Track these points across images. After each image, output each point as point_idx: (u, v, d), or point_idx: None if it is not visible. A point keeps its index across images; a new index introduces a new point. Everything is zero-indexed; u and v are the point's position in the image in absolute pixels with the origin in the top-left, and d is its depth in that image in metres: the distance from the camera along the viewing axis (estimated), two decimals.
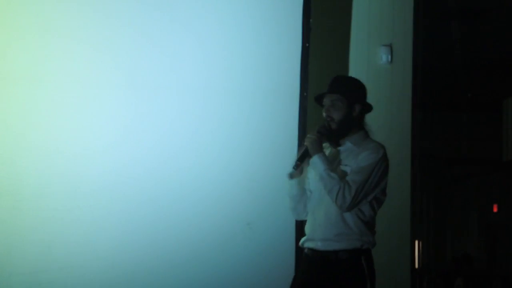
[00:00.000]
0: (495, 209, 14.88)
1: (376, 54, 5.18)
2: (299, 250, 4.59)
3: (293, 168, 3.55)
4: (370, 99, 5.16)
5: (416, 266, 12.37)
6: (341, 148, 3.59)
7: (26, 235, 4.37)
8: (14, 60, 4.49)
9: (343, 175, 3.49)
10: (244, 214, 4.58)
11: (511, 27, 8.45)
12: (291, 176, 3.60)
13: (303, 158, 3.54)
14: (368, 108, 3.66)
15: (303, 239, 3.64)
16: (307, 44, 4.75)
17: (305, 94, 4.72)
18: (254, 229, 4.58)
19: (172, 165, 4.53)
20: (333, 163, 3.55)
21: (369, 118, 5.14)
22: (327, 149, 3.61)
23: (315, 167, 3.51)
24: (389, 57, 5.19)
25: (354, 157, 3.52)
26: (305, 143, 3.53)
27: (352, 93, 3.60)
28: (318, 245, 3.53)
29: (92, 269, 4.45)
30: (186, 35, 4.61)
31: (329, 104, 3.59)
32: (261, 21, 4.74)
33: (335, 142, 3.60)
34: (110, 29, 4.54)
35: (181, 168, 4.54)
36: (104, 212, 4.48)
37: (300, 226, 4.62)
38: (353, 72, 5.16)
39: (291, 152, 4.58)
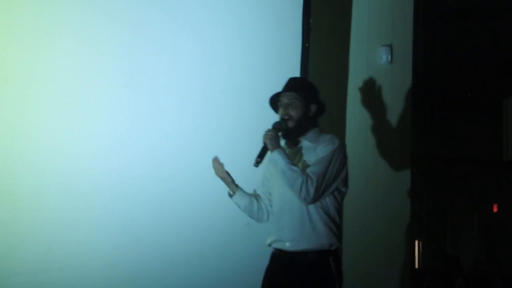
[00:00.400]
0: (495, 209, 14.86)
1: (376, 54, 5.18)
2: None
3: (254, 166, 3.56)
4: (370, 99, 5.18)
5: (416, 266, 12.37)
6: (298, 147, 3.64)
7: (26, 236, 4.37)
8: (14, 60, 4.49)
9: (303, 170, 3.51)
10: (244, 214, 4.58)
11: (511, 27, 8.44)
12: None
13: (262, 154, 3.56)
14: (322, 109, 3.71)
15: (270, 239, 3.66)
16: (307, 44, 4.75)
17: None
18: (254, 229, 4.58)
19: (172, 165, 4.53)
20: (292, 161, 3.58)
21: (370, 118, 5.15)
22: (286, 150, 3.64)
23: (276, 163, 3.52)
24: (389, 57, 5.18)
25: (312, 152, 3.57)
26: (264, 140, 3.55)
27: (309, 93, 3.66)
28: (286, 245, 3.55)
29: (92, 269, 4.45)
30: (186, 35, 4.61)
31: (286, 102, 3.63)
32: (261, 21, 4.74)
33: (292, 141, 3.65)
34: (110, 29, 4.54)
35: (181, 168, 4.54)
36: (104, 212, 4.48)
37: None
38: (353, 72, 5.16)
39: None
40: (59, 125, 4.52)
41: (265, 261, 4.60)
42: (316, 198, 3.47)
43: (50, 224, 4.43)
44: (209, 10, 4.68)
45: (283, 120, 3.60)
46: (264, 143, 3.55)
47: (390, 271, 5.04)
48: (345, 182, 3.62)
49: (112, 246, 4.48)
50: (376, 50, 5.17)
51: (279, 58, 4.74)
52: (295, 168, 3.48)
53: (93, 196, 4.47)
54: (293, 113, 3.60)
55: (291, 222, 3.53)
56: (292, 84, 3.68)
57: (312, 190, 3.44)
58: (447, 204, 16.03)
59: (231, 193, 3.75)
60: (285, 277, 3.54)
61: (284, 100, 3.64)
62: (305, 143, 3.63)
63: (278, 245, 3.59)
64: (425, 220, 14.06)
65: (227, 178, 3.73)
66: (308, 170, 3.49)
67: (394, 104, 5.18)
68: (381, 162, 5.13)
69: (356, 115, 5.15)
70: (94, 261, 4.45)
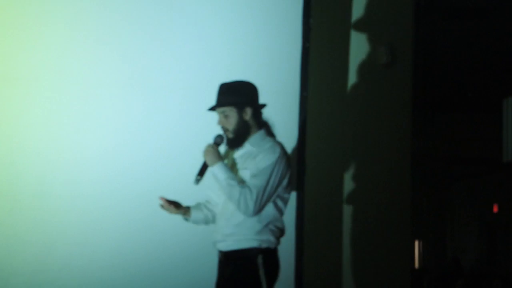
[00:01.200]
0: (495, 209, 14.86)
1: (376, 54, 5.17)
2: (299, 250, 4.60)
3: (194, 183, 3.62)
4: (370, 99, 5.18)
5: (416, 266, 12.38)
6: (240, 152, 3.65)
7: (26, 236, 4.36)
8: (14, 60, 4.49)
9: (245, 176, 3.55)
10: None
11: (511, 27, 8.44)
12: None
13: (202, 171, 3.61)
14: (260, 106, 3.70)
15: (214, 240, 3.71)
16: (307, 44, 4.75)
17: (305, 94, 4.72)
18: None
19: (172, 165, 4.53)
20: (234, 168, 3.62)
21: (370, 118, 5.15)
22: (233, 152, 3.67)
23: (216, 178, 3.57)
24: (389, 57, 5.18)
25: (253, 159, 3.57)
26: (203, 156, 3.59)
27: (240, 99, 3.62)
28: (221, 246, 3.62)
29: (91, 269, 4.45)
30: (186, 35, 4.61)
31: (221, 115, 3.65)
32: (261, 21, 4.74)
33: (238, 146, 3.66)
34: (110, 29, 4.53)
35: (181, 168, 4.53)
36: (103, 213, 4.48)
37: (300, 226, 4.62)
38: (353, 72, 5.16)
39: (291, 152, 4.59)
40: (59, 125, 4.52)
41: None
42: (256, 211, 3.50)
43: (50, 224, 4.42)
44: (209, 10, 4.68)
45: (223, 133, 3.65)
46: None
47: (390, 271, 5.04)
48: (287, 188, 3.63)
49: (112, 247, 4.48)
50: (376, 50, 5.17)
51: (279, 58, 4.74)
52: (232, 182, 3.51)
53: (93, 196, 4.47)
54: (228, 125, 3.63)
55: (226, 224, 3.60)
56: (221, 98, 3.65)
57: (251, 205, 3.47)
58: (447, 204, 16.03)
59: (187, 217, 3.82)
60: (221, 277, 3.63)
61: (219, 114, 3.67)
62: (247, 147, 3.64)
63: (217, 246, 3.67)
64: (425, 220, 14.05)
65: (181, 209, 3.78)
66: (248, 183, 3.52)
67: (394, 104, 5.18)
68: (381, 162, 5.12)
69: (356, 115, 5.15)
70: (94, 262, 4.45)
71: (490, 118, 11.34)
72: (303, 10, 4.76)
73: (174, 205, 3.76)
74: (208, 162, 3.58)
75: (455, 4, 7.83)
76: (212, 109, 3.70)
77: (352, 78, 5.16)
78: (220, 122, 3.66)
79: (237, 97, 3.62)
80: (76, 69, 4.55)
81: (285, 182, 3.59)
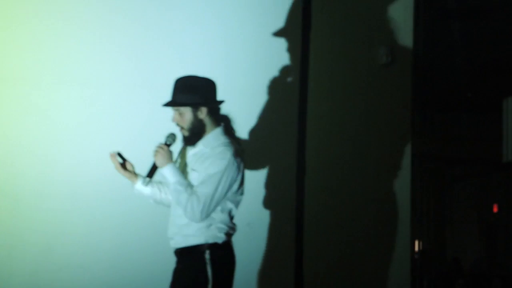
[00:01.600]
0: (495, 209, 14.87)
1: (376, 54, 5.17)
2: (299, 250, 4.60)
3: (143, 185, 3.59)
4: (370, 99, 5.18)
5: (416, 266, 12.36)
6: (193, 151, 3.58)
7: (26, 236, 4.36)
8: (14, 60, 4.49)
9: (195, 177, 3.50)
10: (244, 214, 4.57)
11: (511, 27, 8.44)
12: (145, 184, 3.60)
13: (152, 173, 3.56)
14: (216, 104, 3.60)
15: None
16: (307, 44, 4.75)
17: (305, 94, 4.71)
18: (254, 229, 4.58)
19: None
20: (186, 167, 3.57)
21: (370, 118, 5.15)
22: (190, 149, 3.60)
23: (166, 180, 3.52)
24: (389, 57, 5.18)
25: (202, 163, 3.51)
26: (154, 157, 3.52)
27: (195, 99, 3.53)
28: (171, 243, 3.62)
29: (91, 269, 4.45)
30: (185, 35, 4.61)
31: (176, 113, 3.57)
32: (261, 21, 4.74)
33: (191, 144, 3.59)
34: (109, 29, 4.53)
35: None
36: (103, 213, 4.48)
37: (300, 226, 4.62)
38: (353, 72, 5.16)
39: (291, 152, 4.59)
40: (60, 125, 4.52)
41: (265, 261, 4.61)
42: (203, 218, 3.46)
43: (50, 224, 4.43)
44: (209, 10, 4.68)
45: (180, 130, 3.58)
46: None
47: (390, 271, 5.04)
48: (240, 191, 3.57)
49: (112, 246, 4.48)
50: (376, 50, 5.17)
51: (279, 58, 4.74)
52: (180, 188, 3.46)
53: (93, 196, 4.47)
54: (183, 123, 3.56)
55: (174, 220, 3.58)
56: (174, 96, 3.57)
57: (198, 212, 3.43)
58: (447, 204, 16.03)
59: (133, 183, 3.70)
60: (173, 274, 3.62)
61: (173, 109, 3.59)
62: (199, 147, 3.57)
63: (170, 243, 3.65)
64: (425, 220, 14.05)
65: (127, 173, 3.67)
66: (196, 190, 3.46)
67: (394, 104, 5.18)
68: (381, 162, 5.12)
69: (356, 115, 5.14)
70: (94, 262, 4.45)
71: (490, 118, 11.35)
72: (303, 10, 4.76)
73: (122, 166, 3.65)
74: (158, 164, 3.51)
75: (455, 4, 7.83)
76: (167, 105, 3.62)
77: (352, 78, 5.15)
78: (174, 120, 3.57)
79: (192, 95, 3.52)
80: (76, 69, 4.55)
81: (235, 186, 3.52)
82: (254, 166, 4.61)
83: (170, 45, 4.63)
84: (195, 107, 3.52)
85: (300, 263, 4.62)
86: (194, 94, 3.53)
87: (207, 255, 3.49)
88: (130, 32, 4.58)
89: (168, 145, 3.55)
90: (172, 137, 3.58)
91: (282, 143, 4.68)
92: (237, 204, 3.60)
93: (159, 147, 3.52)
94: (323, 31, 5.03)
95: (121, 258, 4.47)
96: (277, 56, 4.74)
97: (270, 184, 4.65)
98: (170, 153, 3.54)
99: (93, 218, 4.46)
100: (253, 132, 4.66)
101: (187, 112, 3.53)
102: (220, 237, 3.53)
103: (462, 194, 15.90)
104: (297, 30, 4.75)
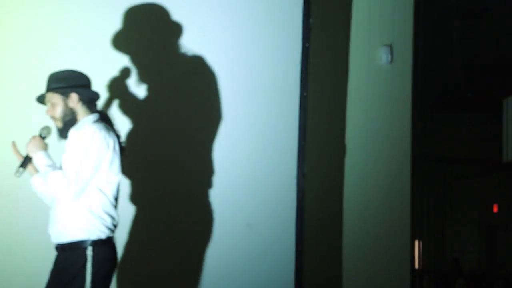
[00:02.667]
0: (495, 209, 14.87)
1: (376, 54, 5.18)
2: (299, 250, 4.60)
3: (15, 175, 3.59)
4: (370, 99, 5.18)
5: (416, 266, 12.36)
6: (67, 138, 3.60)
7: (26, 235, 4.36)
8: (14, 60, 4.49)
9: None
10: (244, 215, 4.58)
11: (511, 27, 8.44)
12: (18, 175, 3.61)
13: (25, 163, 3.58)
14: (89, 93, 3.64)
15: None
16: (307, 44, 4.75)
17: (305, 94, 4.71)
18: (254, 229, 4.58)
19: (172, 165, 4.53)
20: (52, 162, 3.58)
21: (370, 118, 5.15)
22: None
23: (38, 167, 3.56)
24: (389, 57, 5.18)
25: (69, 142, 3.55)
26: (26, 148, 3.57)
27: (62, 84, 3.59)
28: (52, 239, 3.60)
29: None
30: (186, 35, 4.61)
31: (48, 105, 3.62)
32: (261, 21, 4.74)
33: (66, 136, 3.60)
34: (109, 29, 4.53)
35: (181, 168, 4.54)
36: None
37: (300, 227, 4.62)
38: (353, 72, 5.16)
39: (291, 152, 4.59)
40: None
41: (265, 261, 4.61)
42: (76, 194, 3.46)
43: None
44: (209, 10, 4.68)
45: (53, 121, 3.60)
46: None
47: (390, 271, 5.05)
48: (114, 171, 3.55)
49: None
50: (376, 50, 5.17)
51: (279, 58, 4.73)
52: (49, 169, 3.49)
53: None
54: (55, 113, 3.59)
55: (53, 216, 3.58)
56: (47, 85, 3.63)
57: (65, 187, 3.43)
58: (447, 204, 16.03)
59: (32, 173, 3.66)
60: (53, 268, 3.60)
61: (46, 103, 3.64)
62: (71, 132, 3.58)
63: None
64: (425, 220, 14.05)
65: (20, 155, 3.65)
66: (62, 166, 3.50)
67: (394, 104, 5.18)
68: (381, 162, 5.13)
69: (356, 115, 5.15)
70: None
71: (490, 118, 11.35)
72: (303, 10, 4.76)
73: (18, 153, 3.65)
74: (29, 153, 3.56)
75: (455, 4, 7.83)
76: (41, 102, 3.67)
77: (352, 78, 5.16)
78: (48, 112, 3.62)
79: (60, 83, 3.59)
80: (77, 69, 4.54)
81: (105, 164, 3.50)
82: (254, 166, 4.61)
83: (170, 45, 4.63)
84: (65, 94, 3.56)
85: (300, 263, 4.62)
86: (61, 82, 3.59)
87: (89, 251, 3.48)
88: (130, 32, 4.58)
89: (43, 137, 3.61)
90: (46, 129, 3.64)
91: (282, 143, 4.67)
92: (112, 184, 3.56)
93: (32, 137, 3.59)
94: (323, 31, 5.03)
95: (121, 258, 4.47)
96: (277, 56, 4.74)
97: (270, 184, 4.65)
98: (43, 143, 3.59)
99: None
100: (253, 132, 4.66)
101: (58, 101, 3.58)
102: (103, 232, 3.51)
103: (462, 194, 15.89)
104: (297, 30, 4.75)
